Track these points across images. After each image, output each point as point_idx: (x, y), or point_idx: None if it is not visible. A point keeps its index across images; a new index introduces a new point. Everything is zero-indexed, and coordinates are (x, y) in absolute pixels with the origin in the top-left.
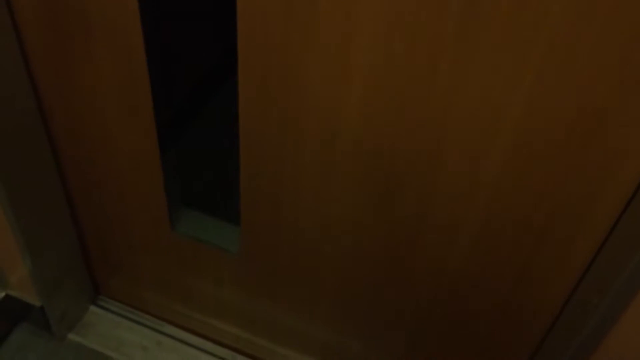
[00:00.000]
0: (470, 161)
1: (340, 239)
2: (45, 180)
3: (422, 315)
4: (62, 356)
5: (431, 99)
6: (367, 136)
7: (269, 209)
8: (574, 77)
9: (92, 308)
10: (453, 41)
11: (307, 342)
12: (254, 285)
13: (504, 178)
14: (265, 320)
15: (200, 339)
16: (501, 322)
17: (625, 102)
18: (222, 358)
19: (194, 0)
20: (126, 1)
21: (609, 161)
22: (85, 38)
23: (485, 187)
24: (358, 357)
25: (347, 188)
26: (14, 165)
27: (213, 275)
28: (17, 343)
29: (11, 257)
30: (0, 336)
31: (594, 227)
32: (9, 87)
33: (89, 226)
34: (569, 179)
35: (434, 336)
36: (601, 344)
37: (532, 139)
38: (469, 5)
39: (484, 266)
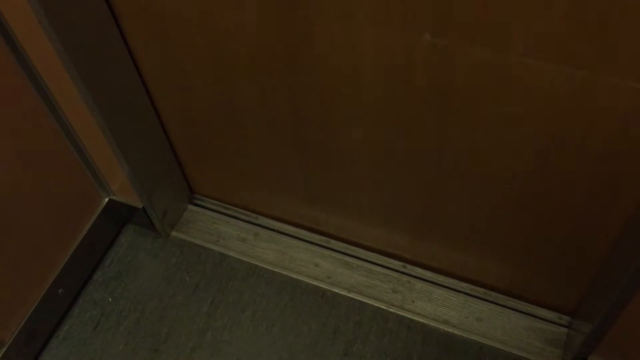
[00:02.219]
0: None
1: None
2: (129, 86)
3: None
4: (168, 251)
5: None
6: None
7: None
8: None
9: (190, 207)
10: None
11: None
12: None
13: None
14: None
15: (295, 228)
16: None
17: None
18: (318, 244)
19: None
20: None
21: None
22: None
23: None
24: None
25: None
26: (100, 75)
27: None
28: (127, 243)
29: (109, 164)
30: (110, 237)
31: None
32: None
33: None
34: None
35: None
36: None
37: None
38: None
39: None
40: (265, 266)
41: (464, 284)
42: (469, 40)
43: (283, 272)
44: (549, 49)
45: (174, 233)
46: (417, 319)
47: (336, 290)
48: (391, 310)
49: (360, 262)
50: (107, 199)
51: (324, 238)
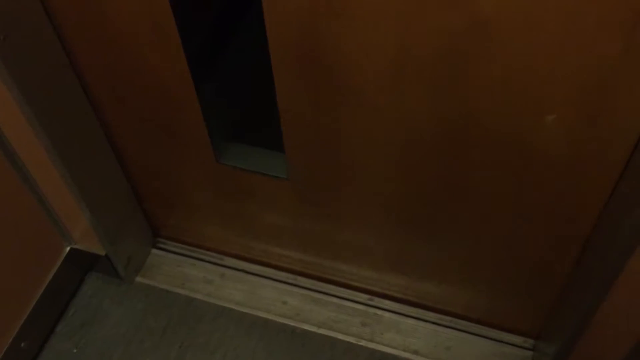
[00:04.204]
0: None
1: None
2: (89, 132)
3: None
4: (133, 297)
5: None
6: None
7: (311, 131)
8: None
9: (154, 251)
10: None
11: (371, 255)
12: (308, 207)
13: None
14: (323, 241)
15: (262, 267)
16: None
17: None
18: (285, 282)
19: None
20: None
21: None
22: None
23: None
24: (425, 264)
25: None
26: (59, 122)
27: (266, 204)
28: (91, 291)
29: (71, 212)
30: (73, 286)
31: None
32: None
33: (138, 171)
34: None
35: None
36: None
37: None
38: None
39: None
40: (233, 307)
41: (431, 314)
42: None
43: (251, 312)
44: None
45: (138, 278)
46: (387, 350)
47: (306, 327)
48: (361, 344)
49: (328, 298)
50: (68, 248)
51: (290, 275)
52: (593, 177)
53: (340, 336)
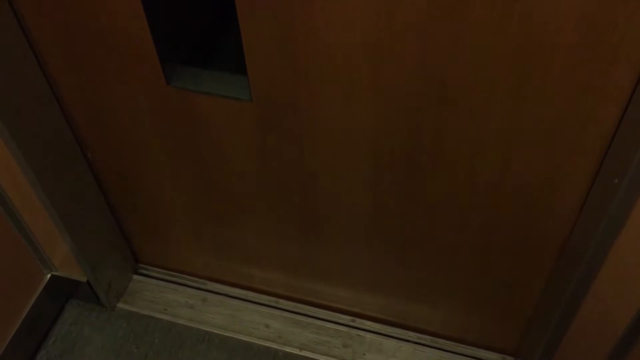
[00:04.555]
0: None
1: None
2: (70, 157)
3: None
4: (115, 324)
5: None
6: None
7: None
8: None
9: (135, 277)
10: None
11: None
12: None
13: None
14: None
15: (243, 291)
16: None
17: None
18: (267, 305)
19: None
20: None
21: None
22: None
23: None
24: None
25: None
26: (40, 149)
27: (227, 136)
28: (71, 318)
29: (51, 239)
30: (53, 314)
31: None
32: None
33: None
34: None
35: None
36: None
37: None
38: None
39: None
40: (215, 331)
41: (411, 333)
42: None
43: (234, 336)
44: None
45: (119, 304)
46: None
47: (288, 350)
48: None
49: (309, 320)
50: (49, 275)
51: (272, 298)
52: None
53: (323, 358)
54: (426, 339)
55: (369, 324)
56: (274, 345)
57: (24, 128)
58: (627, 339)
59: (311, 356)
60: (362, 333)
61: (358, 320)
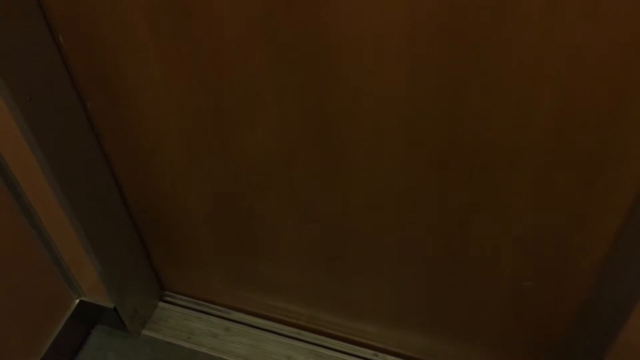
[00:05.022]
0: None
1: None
2: (103, 187)
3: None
4: (139, 351)
5: None
6: None
7: None
8: None
9: (161, 304)
10: None
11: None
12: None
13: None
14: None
15: (267, 321)
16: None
17: None
18: (289, 336)
19: None
20: None
21: None
22: None
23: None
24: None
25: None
26: (75, 179)
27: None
28: (97, 344)
29: (81, 265)
30: (80, 339)
31: None
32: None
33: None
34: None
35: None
36: None
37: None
38: None
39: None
40: None
41: None
42: None
43: None
44: None
45: (144, 331)
46: None
47: None
48: None
49: (331, 353)
50: (77, 300)
51: (295, 329)
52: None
53: None
54: None
55: (391, 359)
56: None
57: (59, 150)
58: None
59: None
60: None
61: (380, 354)
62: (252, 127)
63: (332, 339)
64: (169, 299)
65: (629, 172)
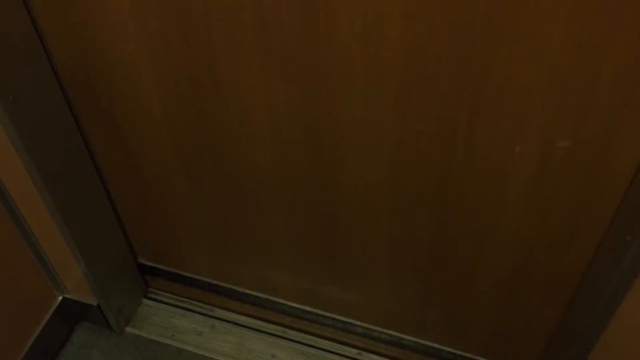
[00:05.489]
0: None
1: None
2: (88, 184)
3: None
4: (123, 349)
5: None
6: None
7: None
8: None
9: (145, 301)
10: None
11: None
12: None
13: None
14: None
15: (251, 319)
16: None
17: None
18: (274, 334)
19: None
20: None
21: None
22: None
23: None
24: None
25: None
26: (60, 178)
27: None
28: (80, 341)
29: (65, 263)
30: (63, 336)
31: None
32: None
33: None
34: None
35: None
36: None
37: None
38: None
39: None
40: (222, 359)
41: None
42: None
43: None
44: None
45: (128, 329)
46: None
47: None
48: None
49: (316, 351)
50: (61, 298)
51: (280, 328)
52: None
53: None
54: None
55: (375, 359)
56: None
57: (44, 150)
58: None
59: None
60: None
61: (364, 353)
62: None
63: (317, 338)
64: (153, 296)
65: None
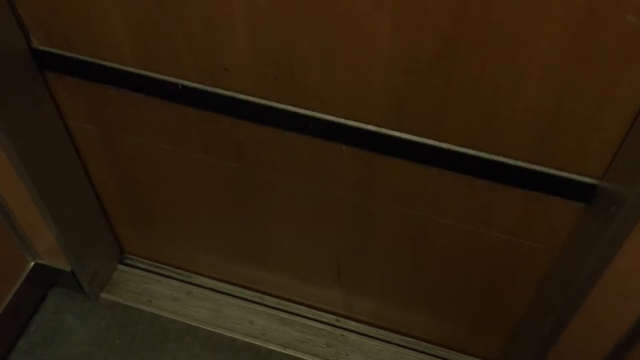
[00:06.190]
0: None
1: None
2: (58, 145)
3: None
4: (98, 314)
5: None
6: None
7: None
8: None
9: (120, 267)
10: None
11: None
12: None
13: None
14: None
15: (229, 285)
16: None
17: None
18: (251, 301)
19: None
20: None
21: None
22: None
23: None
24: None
25: None
26: (28, 137)
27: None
28: (54, 307)
29: (36, 227)
30: (36, 302)
31: None
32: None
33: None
34: None
35: None
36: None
37: None
38: None
39: None
40: (199, 325)
41: (394, 335)
42: None
43: (217, 331)
44: None
45: (103, 295)
46: None
47: (271, 347)
48: None
49: (294, 318)
50: (32, 263)
51: (257, 294)
52: None
53: (306, 357)
54: (410, 341)
55: (353, 325)
56: (258, 342)
57: (13, 115)
58: (617, 353)
59: (294, 354)
60: (346, 333)
61: (342, 320)
62: None
63: (295, 304)
64: (128, 261)
65: None
